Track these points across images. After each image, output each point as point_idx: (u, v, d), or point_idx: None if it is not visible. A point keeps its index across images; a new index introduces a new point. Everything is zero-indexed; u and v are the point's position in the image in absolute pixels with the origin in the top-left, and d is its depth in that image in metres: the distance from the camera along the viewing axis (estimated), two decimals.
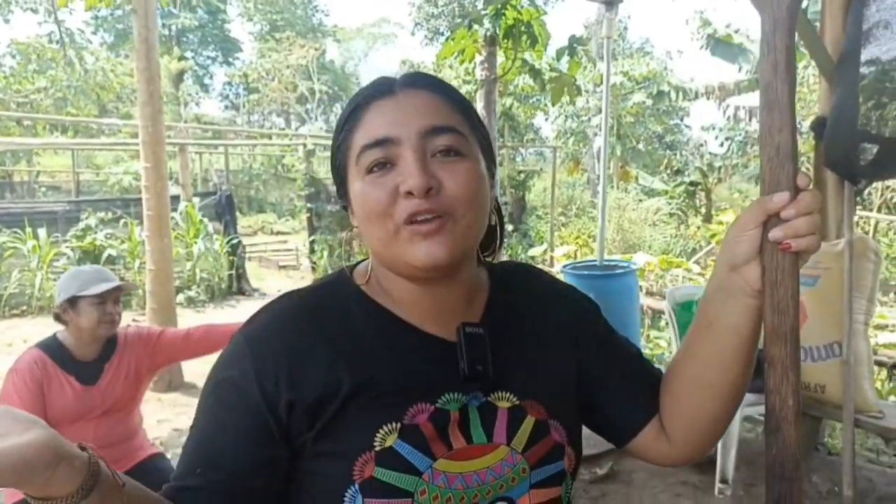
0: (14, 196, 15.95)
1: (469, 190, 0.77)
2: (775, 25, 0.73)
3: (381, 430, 0.77)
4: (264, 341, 0.80)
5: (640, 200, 14.18)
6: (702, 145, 20.64)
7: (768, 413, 0.73)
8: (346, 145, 0.81)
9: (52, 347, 2.26)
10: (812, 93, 10.59)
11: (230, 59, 35.23)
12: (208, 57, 35.41)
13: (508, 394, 0.84)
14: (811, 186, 0.73)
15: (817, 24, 3.57)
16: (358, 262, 0.91)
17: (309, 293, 0.87)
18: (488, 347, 0.84)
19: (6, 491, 2.18)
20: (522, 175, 15.07)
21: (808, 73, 10.60)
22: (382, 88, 0.81)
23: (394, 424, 0.78)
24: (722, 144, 17.98)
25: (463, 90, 8.31)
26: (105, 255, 8.41)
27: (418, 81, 0.82)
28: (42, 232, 8.40)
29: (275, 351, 0.79)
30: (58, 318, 2.28)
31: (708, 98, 14.29)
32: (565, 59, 4.99)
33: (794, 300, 0.74)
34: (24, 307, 8.09)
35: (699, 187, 14.86)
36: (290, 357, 0.79)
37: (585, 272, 4.99)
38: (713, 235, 11.19)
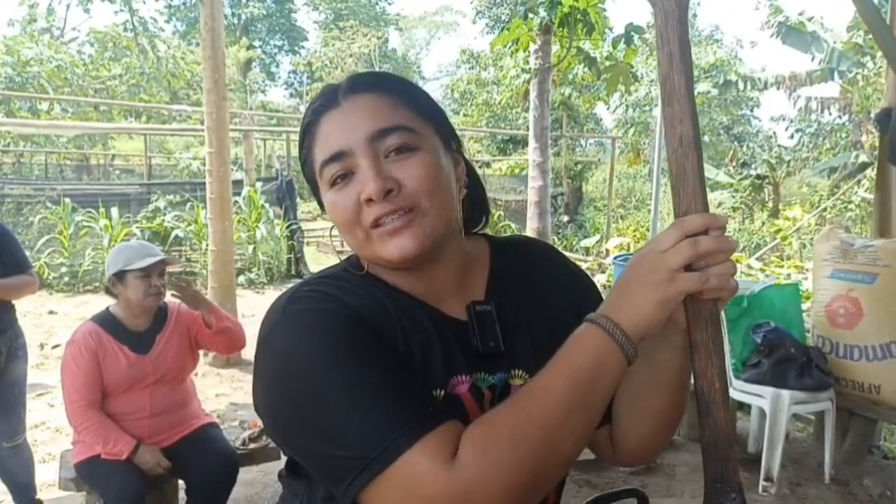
0: (90, 178, 16.77)
1: (428, 182, 0.79)
2: (666, 17, 0.73)
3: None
4: (327, 294, 0.80)
5: None
6: (771, 137, 19.90)
7: (698, 396, 0.73)
8: (310, 161, 0.84)
9: (105, 320, 2.42)
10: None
11: (296, 48, 35.96)
12: (275, 46, 36.23)
13: (521, 371, 0.87)
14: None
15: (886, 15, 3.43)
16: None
17: (330, 275, 0.86)
18: (497, 324, 0.86)
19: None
20: (579, 165, 14.88)
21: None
22: (327, 100, 0.83)
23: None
24: (792, 136, 17.31)
25: (520, 79, 8.28)
26: (173, 236, 8.76)
27: (360, 85, 0.83)
28: (115, 212, 8.76)
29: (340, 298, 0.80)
30: (108, 291, 2.45)
31: (778, 88, 13.73)
32: (622, 46, 4.91)
33: None
34: (97, 284, 8.45)
35: (766, 181, 14.34)
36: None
37: None
38: (778, 231, 10.79)
